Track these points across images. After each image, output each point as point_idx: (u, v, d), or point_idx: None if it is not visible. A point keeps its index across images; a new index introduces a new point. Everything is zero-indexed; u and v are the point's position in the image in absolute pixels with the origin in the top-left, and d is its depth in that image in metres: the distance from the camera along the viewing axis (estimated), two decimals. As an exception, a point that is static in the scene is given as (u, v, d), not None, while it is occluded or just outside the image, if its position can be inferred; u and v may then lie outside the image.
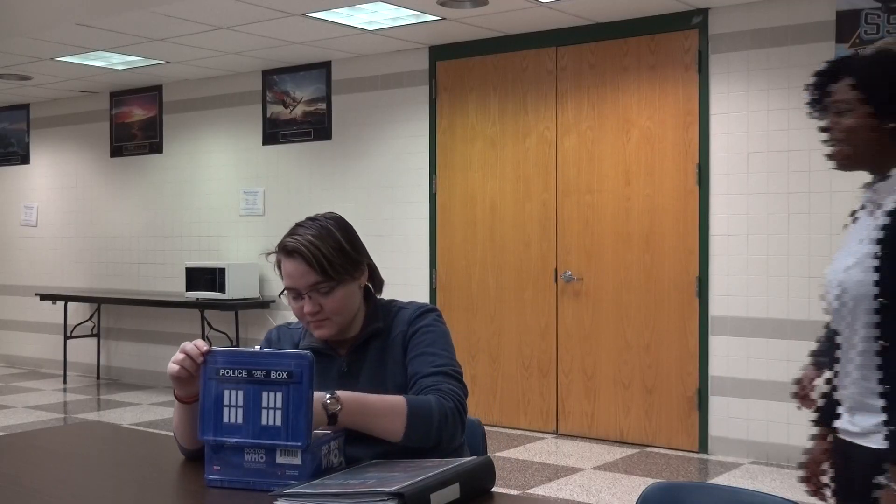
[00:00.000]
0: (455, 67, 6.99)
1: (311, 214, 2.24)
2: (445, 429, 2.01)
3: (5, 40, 6.96)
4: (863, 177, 2.15)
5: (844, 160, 2.09)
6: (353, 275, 2.16)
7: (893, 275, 1.95)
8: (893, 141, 2.04)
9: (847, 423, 2.11)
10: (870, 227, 2.06)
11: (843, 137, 2.06)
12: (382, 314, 2.21)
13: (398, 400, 2.00)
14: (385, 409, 1.98)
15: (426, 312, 2.20)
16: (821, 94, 2.11)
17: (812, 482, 2.33)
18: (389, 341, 2.18)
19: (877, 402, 2.01)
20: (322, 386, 2.13)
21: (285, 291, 2.16)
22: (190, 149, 8.52)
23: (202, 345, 1.94)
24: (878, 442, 2.00)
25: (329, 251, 2.11)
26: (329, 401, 1.91)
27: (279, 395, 1.83)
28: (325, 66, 7.61)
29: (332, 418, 1.91)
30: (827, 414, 2.28)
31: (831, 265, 2.17)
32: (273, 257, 2.19)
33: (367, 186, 7.36)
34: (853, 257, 2.07)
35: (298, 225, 2.18)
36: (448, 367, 2.11)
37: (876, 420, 2.01)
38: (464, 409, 2.08)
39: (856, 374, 2.06)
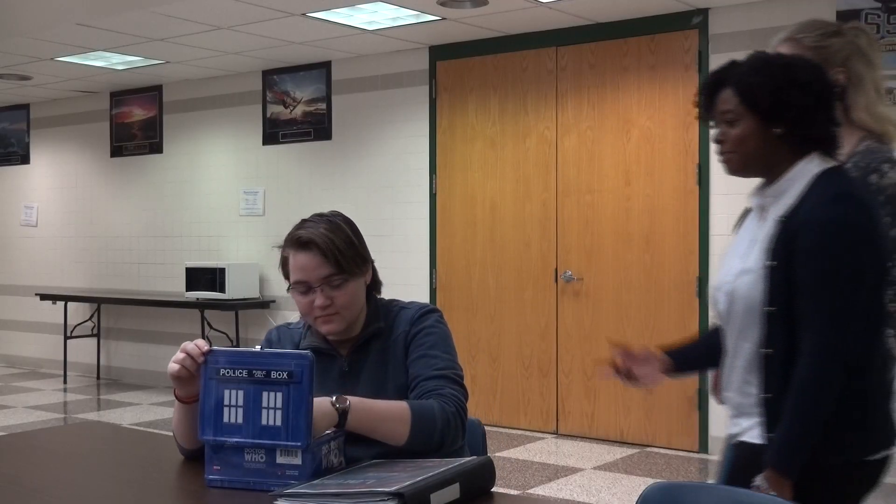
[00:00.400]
0: (455, 67, 6.99)
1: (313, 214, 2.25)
2: (447, 433, 2.03)
3: (5, 40, 6.96)
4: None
5: (737, 168, 2.10)
6: (362, 269, 2.18)
7: (782, 284, 1.96)
8: (783, 145, 2.03)
9: (731, 426, 2.13)
10: (759, 233, 2.07)
11: (733, 148, 2.07)
12: (383, 314, 2.22)
13: (401, 405, 2.01)
14: (389, 413, 1.99)
15: (428, 313, 2.21)
16: (708, 105, 2.12)
17: (624, 369, 2.35)
18: (391, 341, 2.18)
19: (758, 409, 2.02)
20: (323, 386, 2.14)
21: (292, 287, 2.15)
22: (190, 149, 8.52)
23: (203, 344, 1.94)
24: (754, 436, 2.02)
25: (342, 244, 2.12)
26: (337, 402, 1.92)
27: (279, 395, 1.84)
28: (325, 66, 7.61)
29: (343, 416, 1.91)
30: (679, 356, 2.34)
31: (721, 268, 2.17)
32: (278, 252, 2.19)
33: (367, 186, 7.36)
34: (742, 263, 2.07)
35: (305, 220, 2.18)
36: (450, 371, 2.12)
37: (754, 420, 2.04)
38: (465, 413, 2.10)
39: (740, 380, 2.07)
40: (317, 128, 7.69)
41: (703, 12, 5.93)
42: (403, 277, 7.03)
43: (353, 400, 1.95)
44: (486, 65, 6.86)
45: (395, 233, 7.16)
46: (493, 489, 1.84)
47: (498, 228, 6.80)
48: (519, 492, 4.98)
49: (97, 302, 8.85)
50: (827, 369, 1.92)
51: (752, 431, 2.03)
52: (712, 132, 2.12)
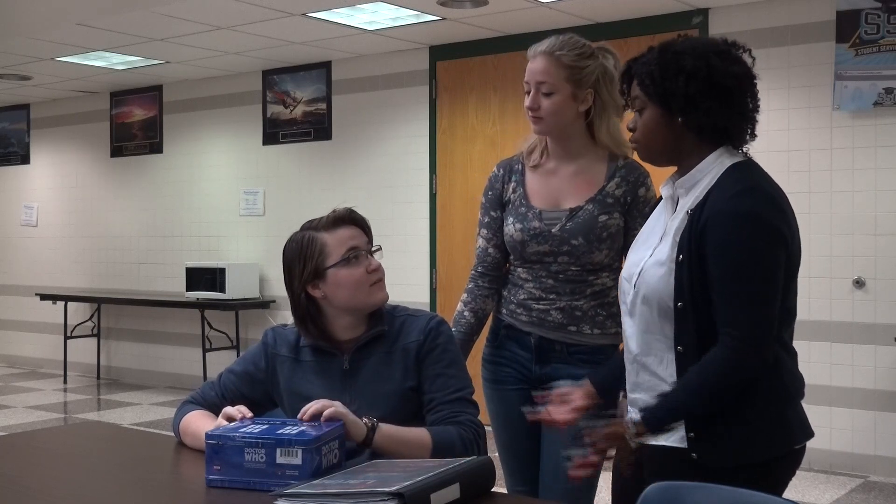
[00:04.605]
0: (455, 67, 6.99)
1: (313, 215, 2.29)
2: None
3: (5, 40, 6.96)
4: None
5: (645, 157, 2.10)
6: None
7: (690, 278, 1.93)
8: (688, 135, 2.00)
9: None
10: (670, 224, 2.03)
11: (639, 137, 2.06)
12: (387, 319, 2.25)
13: (424, 433, 2.08)
14: (413, 439, 2.06)
15: (439, 325, 2.25)
16: (626, 93, 2.11)
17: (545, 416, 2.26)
18: (398, 346, 2.21)
19: None
20: (324, 382, 2.20)
21: (342, 261, 2.18)
22: (190, 149, 8.52)
23: (246, 412, 2.06)
24: (669, 440, 1.98)
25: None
26: (366, 420, 2.00)
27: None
28: (325, 66, 7.61)
29: (371, 432, 1.99)
30: (601, 380, 2.26)
31: (630, 257, 2.13)
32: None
33: (367, 186, 7.36)
34: (652, 254, 2.03)
35: (311, 220, 2.30)
36: (464, 391, 2.19)
37: None
38: (481, 436, 2.16)
39: (652, 378, 2.02)
40: (317, 128, 7.68)
41: (704, 12, 5.93)
42: (403, 277, 7.03)
43: (382, 423, 2.02)
44: (486, 65, 6.86)
45: (395, 233, 7.15)
46: (494, 489, 1.85)
47: (498, 228, 6.79)
48: (519, 492, 4.97)
49: (97, 302, 8.84)
50: (743, 363, 1.89)
51: (669, 434, 1.98)
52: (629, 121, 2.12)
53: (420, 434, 2.08)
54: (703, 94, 1.94)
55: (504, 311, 2.67)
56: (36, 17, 6.50)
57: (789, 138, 5.62)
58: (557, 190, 2.60)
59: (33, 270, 9.77)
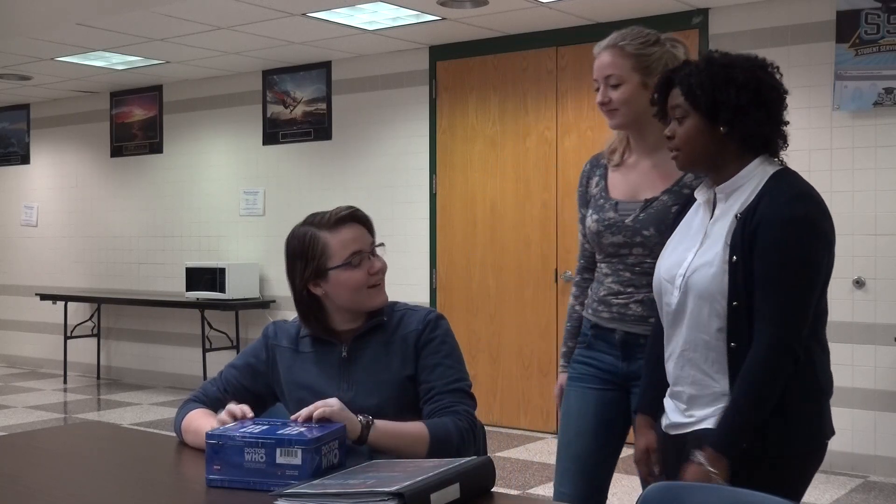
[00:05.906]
0: (455, 67, 6.99)
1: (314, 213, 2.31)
2: (462, 450, 2.11)
3: (5, 40, 6.96)
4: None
5: (683, 165, 2.18)
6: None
7: (745, 279, 2.02)
8: (729, 144, 2.09)
9: (680, 417, 2.16)
10: (712, 228, 2.11)
11: (680, 145, 2.13)
12: (387, 311, 2.27)
13: (420, 426, 2.10)
14: (409, 433, 2.08)
15: (439, 318, 2.28)
16: (661, 103, 2.18)
17: (651, 473, 2.32)
18: (396, 336, 2.23)
19: (718, 400, 2.08)
20: (322, 371, 2.22)
21: (344, 264, 2.19)
22: (190, 149, 8.52)
23: (248, 411, 2.05)
24: (710, 423, 2.07)
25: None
26: (361, 418, 2.00)
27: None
28: (325, 66, 7.61)
29: (366, 429, 2.00)
30: (650, 405, 2.30)
31: (665, 259, 2.20)
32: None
33: (367, 186, 7.36)
34: (701, 257, 2.09)
35: (314, 214, 2.32)
36: (462, 383, 2.21)
37: (711, 409, 2.09)
38: (477, 427, 2.19)
39: (698, 373, 2.10)
40: (317, 128, 7.68)
41: (704, 12, 5.93)
42: (403, 277, 7.03)
43: (377, 420, 2.04)
44: (486, 65, 6.86)
45: (395, 233, 7.15)
46: (494, 489, 1.85)
47: (498, 228, 6.80)
48: (519, 492, 4.98)
49: (97, 302, 8.84)
50: (780, 361, 2.00)
51: (714, 419, 2.07)
52: (666, 129, 2.19)
53: (417, 428, 2.09)
54: (751, 105, 2.06)
55: (589, 310, 2.68)
56: (36, 17, 6.50)
57: (789, 139, 5.61)
58: (636, 183, 2.60)
59: (33, 270, 9.77)
